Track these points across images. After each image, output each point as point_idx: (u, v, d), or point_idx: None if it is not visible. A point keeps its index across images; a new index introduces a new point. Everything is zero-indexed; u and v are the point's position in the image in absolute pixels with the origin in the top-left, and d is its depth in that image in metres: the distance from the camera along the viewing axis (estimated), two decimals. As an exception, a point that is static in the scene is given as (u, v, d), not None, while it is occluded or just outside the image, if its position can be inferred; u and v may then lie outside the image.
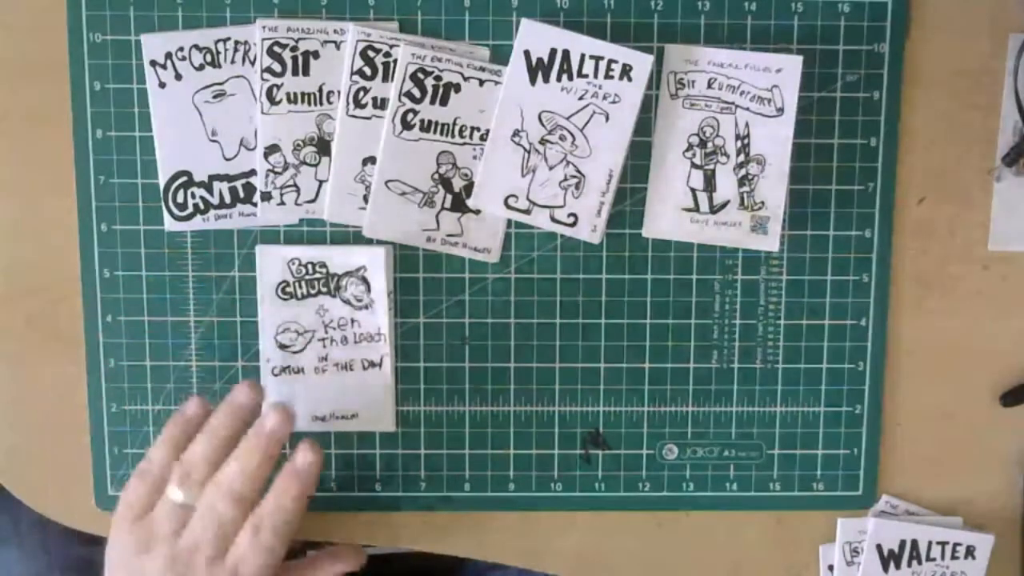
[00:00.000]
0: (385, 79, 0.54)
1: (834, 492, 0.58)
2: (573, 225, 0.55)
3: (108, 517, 0.57)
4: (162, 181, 0.55)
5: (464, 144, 0.54)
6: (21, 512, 0.58)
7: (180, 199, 0.55)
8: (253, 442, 0.51)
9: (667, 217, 0.55)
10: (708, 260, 0.56)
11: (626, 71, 0.53)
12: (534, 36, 0.53)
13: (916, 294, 0.57)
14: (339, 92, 0.54)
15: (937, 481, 0.59)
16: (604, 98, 0.53)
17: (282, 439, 0.51)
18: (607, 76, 0.53)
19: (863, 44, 0.55)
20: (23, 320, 0.56)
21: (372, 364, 0.56)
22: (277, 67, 0.54)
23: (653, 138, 0.55)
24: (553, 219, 0.55)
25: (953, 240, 0.57)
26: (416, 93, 0.54)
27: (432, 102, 0.54)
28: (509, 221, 0.56)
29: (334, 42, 0.54)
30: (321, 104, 0.54)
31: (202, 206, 0.55)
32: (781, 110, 0.54)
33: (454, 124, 0.54)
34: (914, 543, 0.58)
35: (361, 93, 0.54)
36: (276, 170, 0.55)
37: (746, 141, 0.54)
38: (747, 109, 0.54)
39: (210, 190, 0.55)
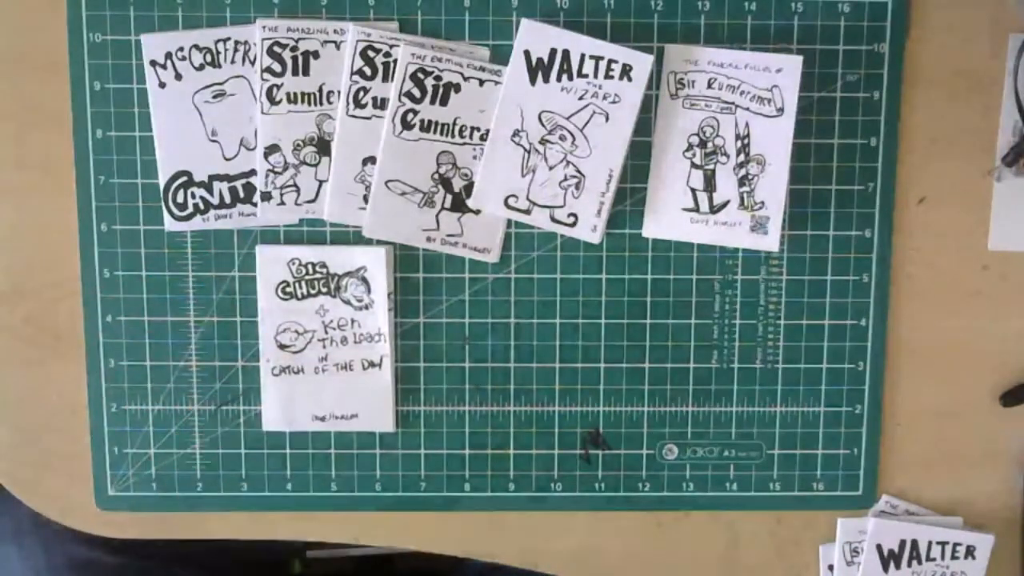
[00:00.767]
0: (385, 79, 0.54)
1: (834, 492, 0.58)
2: (573, 225, 0.55)
3: (108, 517, 0.58)
4: (162, 181, 0.55)
5: (464, 144, 0.54)
6: (21, 512, 0.58)
7: (180, 199, 0.55)
8: None
9: (667, 217, 0.55)
10: (708, 260, 0.56)
11: (626, 71, 0.53)
12: (534, 36, 0.53)
13: (916, 294, 0.57)
14: (339, 92, 0.54)
15: (937, 481, 0.59)
16: (604, 98, 0.53)
17: None
18: (607, 76, 0.53)
19: (863, 44, 0.55)
20: (23, 320, 0.56)
21: (372, 364, 0.56)
22: (277, 67, 0.54)
23: (653, 138, 0.55)
24: (553, 219, 0.55)
25: (953, 240, 0.57)
26: (416, 93, 0.54)
27: (432, 102, 0.54)
28: (509, 221, 0.56)
29: (334, 42, 0.54)
30: (321, 104, 0.54)
31: (202, 206, 0.55)
32: (781, 110, 0.54)
33: (454, 124, 0.54)
34: (914, 543, 0.58)
35: (361, 93, 0.54)
36: (276, 170, 0.55)
37: (746, 141, 0.54)
38: (747, 109, 0.54)
39: (210, 190, 0.55)
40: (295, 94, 0.54)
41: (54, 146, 0.55)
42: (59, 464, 0.57)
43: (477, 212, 0.55)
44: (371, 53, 0.54)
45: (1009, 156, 0.55)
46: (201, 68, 0.54)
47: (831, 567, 0.59)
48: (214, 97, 0.54)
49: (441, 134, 0.54)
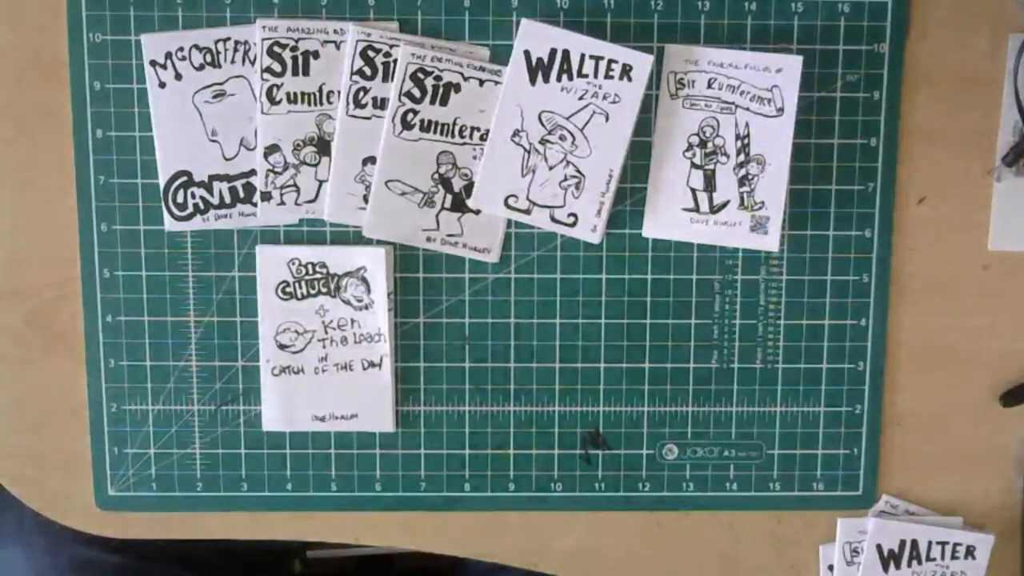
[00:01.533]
0: (385, 79, 0.54)
1: (834, 492, 0.58)
2: (573, 225, 0.55)
3: (108, 517, 0.58)
4: (162, 181, 0.55)
5: (464, 144, 0.54)
6: (25, 512, 0.58)
7: (180, 199, 0.55)
8: None
9: (667, 217, 0.55)
10: (708, 260, 0.56)
11: (626, 71, 0.53)
12: (534, 36, 0.53)
13: (916, 294, 0.57)
14: (339, 92, 0.54)
15: (937, 481, 0.59)
16: (604, 98, 0.53)
17: None
18: (607, 76, 0.53)
19: (863, 44, 0.55)
20: (23, 319, 0.56)
21: (372, 364, 0.56)
22: (277, 67, 0.54)
23: (653, 138, 0.55)
24: (553, 219, 0.55)
25: (953, 240, 0.57)
26: (416, 93, 0.54)
27: (432, 102, 0.54)
28: (509, 221, 0.56)
29: (334, 42, 0.54)
30: (321, 104, 0.54)
31: (202, 206, 0.55)
32: (781, 110, 0.54)
33: (454, 124, 0.54)
34: (914, 543, 0.58)
35: (361, 93, 0.54)
36: (276, 170, 0.55)
37: (746, 141, 0.54)
38: (747, 109, 0.54)
39: (210, 190, 0.55)
40: (295, 94, 0.54)
41: (54, 146, 0.55)
42: (59, 464, 0.57)
43: (477, 212, 0.55)
44: (371, 53, 0.54)
45: (1009, 156, 0.55)
46: (201, 68, 0.54)
47: (831, 567, 0.59)
48: (214, 97, 0.54)
49: (441, 134, 0.54)
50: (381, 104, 0.54)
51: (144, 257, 0.56)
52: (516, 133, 0.54)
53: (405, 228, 0.55)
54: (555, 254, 0.56)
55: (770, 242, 0.55)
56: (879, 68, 0.55)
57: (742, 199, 0.55)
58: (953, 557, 0.58)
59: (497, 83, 0.54)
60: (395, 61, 0.54)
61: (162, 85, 0.54)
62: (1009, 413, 0.58)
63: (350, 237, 0.56)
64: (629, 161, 0.55)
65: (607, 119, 0.53)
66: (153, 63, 0.54)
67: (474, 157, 0.55)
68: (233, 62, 0.54)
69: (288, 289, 0.55)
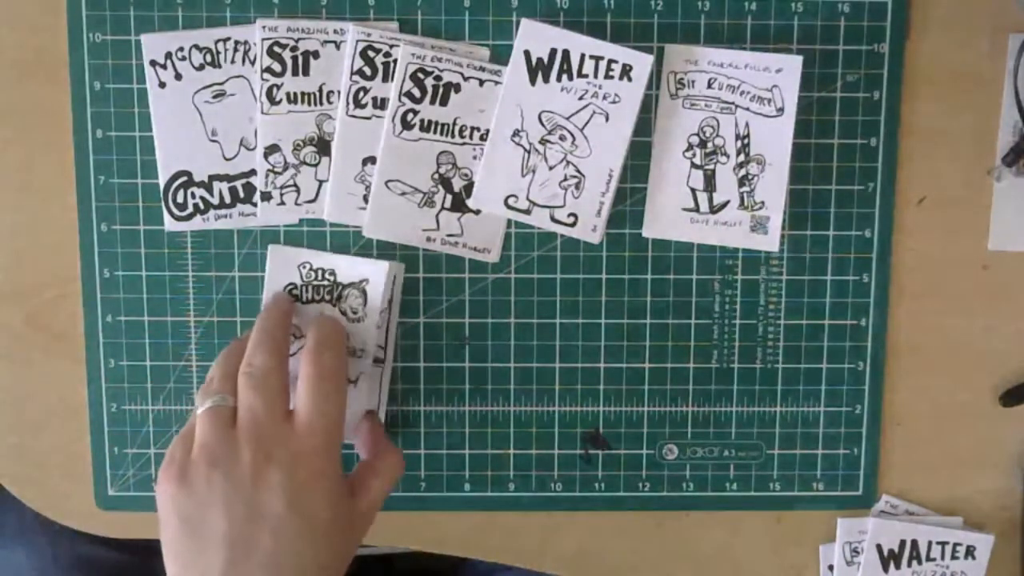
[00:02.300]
0: (385, 79, 0.54)
1: (834, 492, 0.58)
2: (573, 225, 0.55)
3: (108, 517, 0.58)
4: (162, 181, 0.55)
5: (464, 144, 0.55)
6: (26, 510, 0.58)
7: (180, 199, 0.55)
8: (266, 308, 0.52)
9: (667, 217, 0.55)
10: (708, 260, 0.56)
11: (626, 71, 0.53)
12: (534, 36, 0.53)
13: (916, 294, 0.57)
14: (339, 92, 0.54)
15: (937, 481, 0.59)
16: (604, 98, 0.53)
17: (285, 309, 0.52)
18: (607, 76, 0.53)
19: (863, 44, 0.55)
20: (23, 319, 0.56)
21: (348, 381, 0.54)
22: (277, 67, 0.54)
23: (653, 138, 0.55)
24: (553, 219, 0.55)
25: (953, 240, 0.57)
26: (416, 93, 0.54)
27: (432, 102, 0.54)
28: (509, 221, 0.56)
29: (334, 42, 0.54)
30: (321, 104, 0.54)
31: (202, 206, 0.55)
32: (781, 110, 0.54)
33: (454, 124, 0.54)
34: (914, 543, 0.58)
35: (361, 93, 0.54)
36: (276, 170, 0.55)
37: (746, 141, 0.54)
38: (747, 109, 0.54)
39: (210, 190, 0.55)
40: (295, 94, 0.54)
41: (54, 145, 0.55)
42: (59, 464, 0.57)
43: (477, 212, 0.55)
44: (371, 53, 0.54)
45: (1009, 156, 0.55)
46: (201, 68, 0.54)
47: (831, 567, 0.59)
48: (214, 97, 0.54)
49: (441, 134, 0.54)
50: (381, 104, 0.54)
51: (144, 257, 0.56)
52: (516, 133, 0.54)
53: (405, 228, 0.55)
54: (555, 254, 0.56)
55: (770, 242, 0.55)
56: (879, 68, 0.55)
57: (742, 199, 0.55)
58: (953, 557, 0.58)
59: (497, 83, 0.54)
60: (395, 61, 0.54)
61: (162, 85, 0.54)
62: (1009, 413, 0.58)
63: (350, 238, 0.56)
64: (629, 161, 0.55)
65: (607, 119, 0.53)
66: (153, 63, 0.54)
67: (474, 157, 0.55)
68: (233, 62, 0.54)
69: (295, 292, 0.55)
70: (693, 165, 0.55)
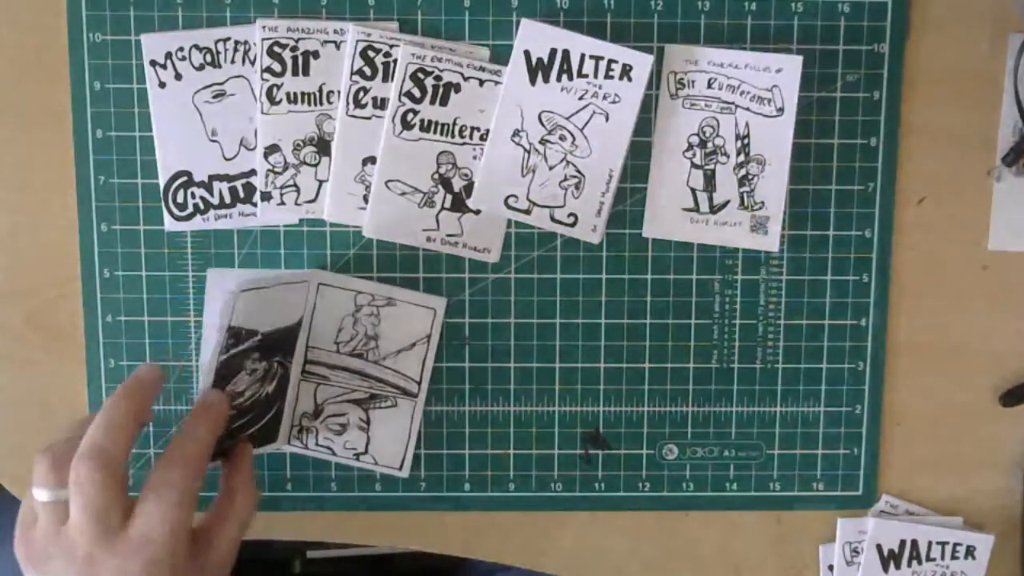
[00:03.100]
0: (385, 79, 0.54)
1: (834, 492, 0.58)
2: (573, 225, 0.55)
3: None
4: (162, 181, 0.55)
5: (464, 144, 0.54)
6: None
7: (180, 199, 0.55)
8: (119, 393, 0.46)
9: (667, 217, 0.55)
10: (708, 260, 0.56)
11: (626, 71, 0.53)
12: (534, 36, 0.53)
13: (916, 294, 0.57)
14: (339, 92, 0.54)
15: (937, 481, 0.59)
16: (604, 98, 0.53)
17: (144, 391, 0.47)
18: (607, 76, 0.53)
19: (863, 44, 0.55)
20: (23, 319, 0.56)
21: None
22: (277, 67, 0.54)
23: (653, 138, 0.55)
24: (553, 219, 0.55)
25: (953, 240, 0.57)
26: (416, 93, 0.54)
27: (432, 102, 0.54)
28: (509, 221, 0.56)
29: (334, 42, 0.54)
30: (321, 104, 0.54)
31: (202, 206, 0.55)
32: (781, 110, 0.54)
33: (454, 124, 0.54)
34: (914, 543, 0.58)
35: (361, 93, 0.54)
36: (276, 170, 0.55)
37: (746, 141, 0.54)
38: (747, 109, 0.54)
39: (210, 190, 0.55)
40: (295, 94, 0.54)
41: (54, 146, 0.55)
42: (59, 464, 0.57)
43: (477, 212, 0.55)
44: (371, 53, 0.54)
45: (1009, 156, 0.55)
46: (201, 68, 0.54)
47: (831, 567, 0.59)
48: (214, 97, 0.54)
49: (441, 134, 0.54)
50: (381, 104, 0.54)
51: (144, 257, 0.56)
52: (516, 133, 0.54)
53: (405, 228, 0.55)
54: (555, 254, 0.56)
55: (770, 242, 0.55)
56: (879, 68, 0.55)
57: (742, 199, 0.55)
58: (953, 557, 0.58)
59: (497, 83, 0.54)
60: (395, 61, 0.54)
61: (162, 85, 0.54)
62: (1009, 413, 0.58)
63: (350, 238, 0.56)
64: (629, 161, 0.55)
65: (607, 119, 0.53)
66: (153, 63, 0.54)
67: (474, 157, 0.55)
68: (233, 62, 0.54)
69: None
70: (693, 165, 0.55)
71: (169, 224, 0.55)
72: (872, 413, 0.58)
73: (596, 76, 0.53)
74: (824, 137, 0.56)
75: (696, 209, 0.55)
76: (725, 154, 0.54)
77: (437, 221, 0.55)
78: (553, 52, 0.53)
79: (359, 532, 0.59)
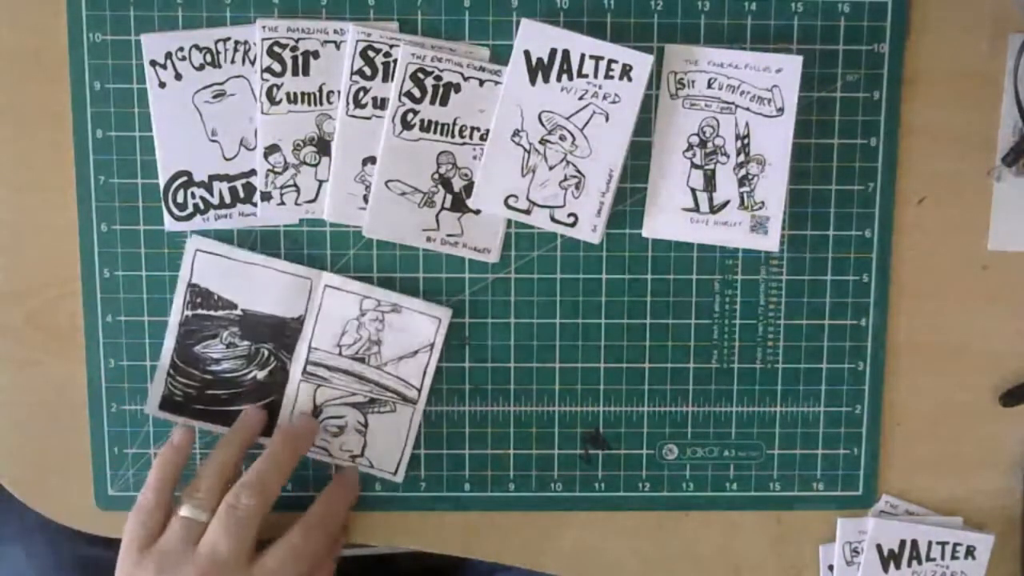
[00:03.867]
0: (385, 79, 0.54)
1: (834, 492, 0.58)
2: (573, 225, 0.55)
3: (108, 517, 0.58)
4: (162, 181, 0.55)
5: (464, 144, 0.55)
6: (26, 511, 0.58)
7: (180, 199, 0.55)
8: (279, 440, 0.54)
9: (667, 217, 0.55)
10: (708, 260, 0.56)
11: (626, 71, 0.53)
12: (534, 36, 0.53)
13: (916, 294, 0.57)
14: (339, 92, 0.54)
15: (937, 481, 0.59)
16: (604, 98, 0.53)
17: (307, 440, 0.55)
18: (607, 76, 0.53)
19: (863, 44, 0.55)
20: (23, 319, 0.56)
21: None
22: (277, 67, 0.54)
23: (653, 138, 0.55)
24: (553, 219, 0.55)
25: (953, 240, 0.57)
26: (416, 93, 0.54)
27: (432, 102, 0.54)
28: (509, 221, 0.56)
29: (334, 42, 0.54)
30: (321, 104, 0.54)
31: (202, 206, 0.55)
32: (781, 110, 0.54)
33: (454, 124, 0.54)
34: (914, 543, 0.58)
35: (361, 93, 0.54)
36: (276, 170, 0.55)
37: (746, 141, 0.54)
38: (747, 109, 0.54)
39: (210, 190, 0.55)
40: (295, 94, 0.54)
41: (54, 146, 0.55)
42: (59, 464, 0.57)
43: (477, 212, 0.55)
44: (371, 53, 0.54)
45: (1009, 156, 0.55)
46: (201, 68, 0.54)
47: (831, 567, 0.59)
48: (214, 97, 0.54)
49: (441, 134, 0.54)
50: (381, 104, 0.54)
51: (144, 257, 0.56)
52: (516, 133, 0.54)
53: (405, 228, 0.55)
54: (555, 254, 0.56)
55: (770, 242, 0.55)
56: (879, 68, 0.55)
57: (742, 199, 0.55)
58: (953, 557, 0.58)
59: (497, 83, 0.54)
60: (395, 61, 0.54)
61: (162, 85, 0.54)
62: (1009, 413, 0.58)
63: (350, 238, 0.56)
64: (629, 161, 0.55)
65: (607, 119, 0.53)
66: (153, 63, 0.54)
67: (474, 157, 0.55)
68: (233, 62, 0.54)
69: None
70: (693, 165, 0.55)
71: (169, 224, 0.56)
72: (872, 413, 0.58)
73: (596, 76, 0.53)
74: (824, 137, 0.56)
75: (696, 209, 0.55)
76: (725, 154, 0.54)
77: (437, 221, 0.55)
78: (553, 52, 0.53)
79: (359, 532, 0.59)
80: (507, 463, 0.58)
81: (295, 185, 0.55)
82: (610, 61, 0.53)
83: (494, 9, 0.54)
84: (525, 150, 0.54)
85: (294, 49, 0.54)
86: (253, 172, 0.55)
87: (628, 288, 0.56)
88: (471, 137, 0.54)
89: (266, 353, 0.56)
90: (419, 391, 0.56)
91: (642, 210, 0.55)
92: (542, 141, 0.54)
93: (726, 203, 0.55)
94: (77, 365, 0.57)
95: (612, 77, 0.53)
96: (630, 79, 0.53)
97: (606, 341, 0.57)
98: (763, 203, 0.55)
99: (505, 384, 0.57)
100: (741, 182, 0.55)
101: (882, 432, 0.58)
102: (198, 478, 0.52)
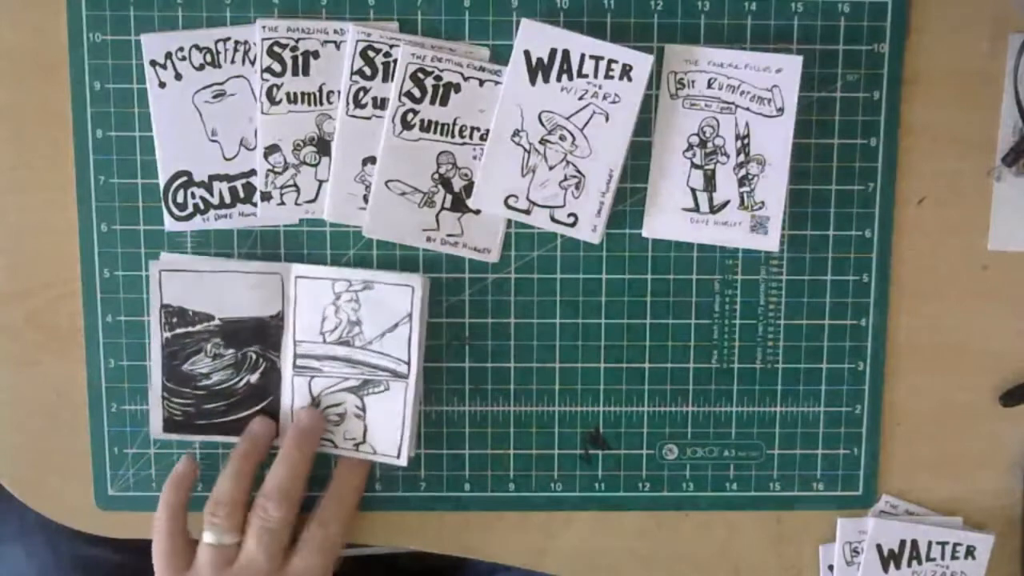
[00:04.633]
0: (385, 79, 0.54)
1: (834, 492, 0.58)
2: (573, 225, 0.55)
3: (108, 517, 0.58)
4: (162, 181, 0.55)
5: (464, 144, 0.54)
6: (27, 511, 0.58)
7: (180, 199, 0.55)
8: (291, 443, 0.55)
9: (667, 217, 0.55)
10: (708, 260, 0.56)
11: (626, 71, 0.53)
12: (534, 36, 0.53)
13: (916, 294, 0.57)
14: (339, 92, 0.54)
15: (937, 481, 0.59)
16: (604, 98, 0.53)
17: (317, 435, 0.56)
18: (607, 76, 0.53)
19: (863, 44, 0.55)
20: (23, 319, 0.56)
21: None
22: (277, 67, 0.54)
23: (653, 138, 0.55)
24: (553, 219, 0.55)
25: (953, 240, 0.57)
26: (416, 93, 0.54)
27: (432, 102, 0.54)
28: (509, 221, 0.56)
29: (334, 42, 0.54)
30: (321, 104, 0.54)
31: (202, 206, 0.55)
32: (781, 110, 0.54)
33: (454, 124, 0.54)
34: (914, 543, 0.58)
35: (361, 93, 0.54)
36: (276, 170, 0.55)
37: (746, 141, 0.54)
38: (747, 109, 0.54)
39: (210, 190, 0.55)
40: (295, 94, 0.54)
41: (54, 146, 0.55)
42: (59, 464, 0.58)
43: (477, 212, 0.55)
44: (371, 53, 0.54)
45: (1009, 156, 0.55)
46: (201, 68, 0.54)
47: (831, 567, 0.59)
48: (214, 97, 0.54)
49: (441, 134, 0.54)
50: (381, 104, 0.54)
51: (144, 257, 0.56)
52: (516, 133, 0.54)
53: (405, 228, 0.55)
54: (555, 254, 0.56)
55: (770, 242, 0.55)
56: (879, 68, 0.55)
57: (742, 199, 0.55)
58: (953, 557, 0.58)
59: (497, 83, 0.54)
60: (395, 61, 0.54)
61: (162, 85, 0.54)
62: (1009, 413, 0.58)
63: (350, 238, 0.56)
64: (629, 161, 0.55)
65: (607, 119, 0.53)
66: (153, 63, 0.54)
67: (474, 157, 0.55)
68: (233, 62, 0.54)
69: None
70: (693, 165, 0.55)
71: (169, 224, 0.56)
72: (872, 413, 0.58)
73: (596, 76, 0.53)
74: (824, 137, 0.56)
75: (696, 209, 0.55)
76: (725, 154, 0.54)
77: (437, 221, 0.55)
78: (553, 52, 0.53)
79: (359, 532, 0.59)
80: (507, 463, 0.58)
81: (295, 185, 0.55)
82: (610, 61, 0.53)
83: (494, 9, 0.54)
84: (525, 150, 0.54)
85: (294, 49, 0.54)
86: (253, 172, 0.55)
87: (628, 288, 0.56)
88: (471, 137, 0.54)
89: (254, 356, 0.56)
90: (408, 365, 0.56)
91: (642, 210, 0.55)
92: (542, 141, 0.54)
93: (726, 203, 0.55)
94: (77, 365, 0.57)
95: (612, 77, 0.53)
96: (630, 79, 0.53)
97: (606, 341, 0.57)
98: (763, 203, 0.55)
99: (505, 384, 0.57)
100: (741, 182, 0.55)
101: (882, 432, 0.58)
102: (214, 503, 0.53)
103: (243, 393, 0.56)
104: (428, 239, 0.55)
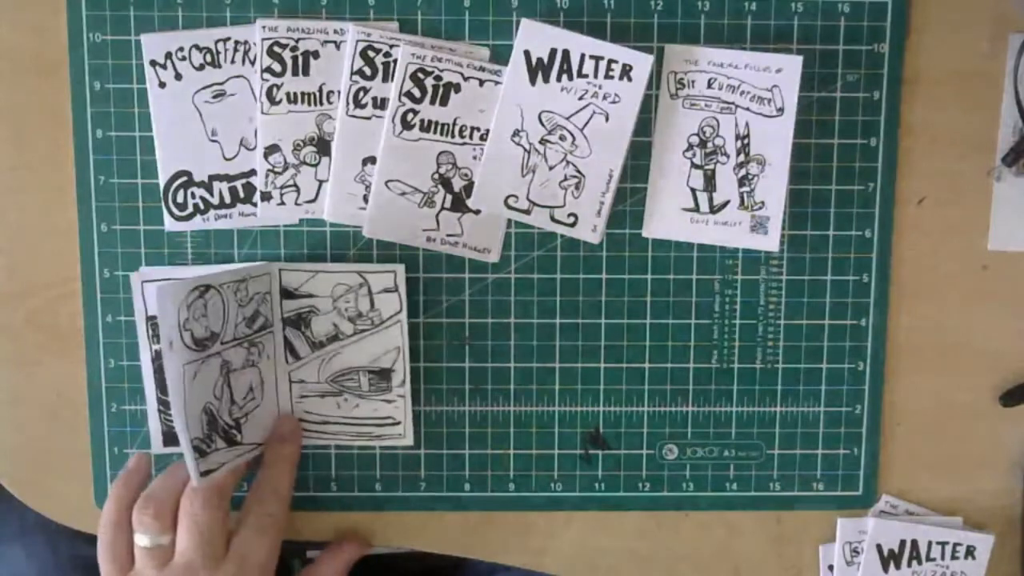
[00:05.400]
0: (385, 79, 0.54)
1: (834, 492, 0.59)
2: (573, 225, 0.55)
3: (108, 517, 0.58)
4: (162, 181, 0.55)
5: (464, 144, 0.55)
6: (27, 511, 0.58)
7: (180, 199, 0.55)
8: (268, 454, 0.54)
9: (667, 217, 0.55)
10: (708, 260, 0.56)
11: (626, 71, 0.53)
12: (534, 36, 0.53)
13: (916, 294, 0.57)
14: (339, 92, 0.54)
15: (937, 481, 0.59)
16: (604, 98, 0.53)
17: (296, 440, 0.55)
18: (607, 76, 0.53)
19: (863, 44, 0.55)
20: (23, 319, 0.56)
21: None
22: (277, 67, 0.54)
23: (653, 138, 0.55)
24: (553, 219, 0.55)
25: (953, 240, 0.57)
26: (416, 93, 0.54)
27: (432, 102, 0.54)
28: (509, 221, 0.56)
29: (334, 42, 0.54)
30: (321, 104, 0.54)
31: (202, 206, 0.55)
32: (781, 110, 0.54)
33: (454, 124, 0.54)
34: (914, 543, 0.58)
35: (361, 93, 0.54)
36: (276, 170, 0.55)
37: (746, 141, 0.54)
38: (747, 109, 0.54)
39: (210, 190, 0.55)
40: (295, 94, 0.54)
41: (54, 146, 0.55)
42: (59, 464, 0.58)
43: (477, 212, 0.55)
44: (371, 53, 0.54)
45: (1009, 156, 0.55)
46: (201, 68, 0.54)
47: (831, 567, 0.59)
48: (214, 97, 0.55)
49: (441, 134, 0.54)
50: (381, 104, 0.54)
51: (144, 257, 0.56)
52: (516, 133, 0.54)
53: (405, 228, 0.55)
54: (555, 254, 0.56)
55: (770, 242, 0.55)
56: (879, 68, 0.55)
57: (742, 199, 0.55)
58: (953, 557, 0.58)
59: (497, 83, 0.54)
60: (395, 61, 0.54)
61: (162, 85, 0.54)
62: (1009, 413, 0.58)
63: (350, 238, 0.56)
64: (629, 161, 0.55)
65: (607, 119, 0.53)
66: (153, 63, 0.54)
67: (474, 157, 0.55)
68: (233, 62, 0.54)
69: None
70: (693, 165, 0.55)
71: (169, 224, 0.56)
72: (872, 413, 0.58)
73: (596, 76, 0.53)
74: (824, 137, 0.56)
75: (696, 209, 0.55)
76: (725, 154, 0.54)
77: (437, 221, 0.55)
78: (553, 52, 0.53)
79: (359, 532, 0.59)
80: (507, 463, 0.58)
81: (295, 185, 0.55)
82: (610, 61, 0.53)
83: (494, 9, 0.54)
84: (525, 150, 0.54)
85: (294, 49, 0.54)
86: (253, 172, 0.55)
87: (628, 288, 0.56)
88: (471, 137, 0.54)
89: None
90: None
91: (642, 210, 0.55)
92: (542, 141, 0.54)
93: (726, 203, 0.55)
94: (77, 365, 0.57)
95: (612, 77, 0.53)
96: (630, 79, 0.53)
97: (606, 341, 0.57)
98: (763, 203, 0.55)
99: (505, 384, 0.57)
100: (741, 182, 0.55)
101: (882, 432, 0.58)
102: (143, 499, 0.52)
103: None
104: (428, 239, 0.55)
